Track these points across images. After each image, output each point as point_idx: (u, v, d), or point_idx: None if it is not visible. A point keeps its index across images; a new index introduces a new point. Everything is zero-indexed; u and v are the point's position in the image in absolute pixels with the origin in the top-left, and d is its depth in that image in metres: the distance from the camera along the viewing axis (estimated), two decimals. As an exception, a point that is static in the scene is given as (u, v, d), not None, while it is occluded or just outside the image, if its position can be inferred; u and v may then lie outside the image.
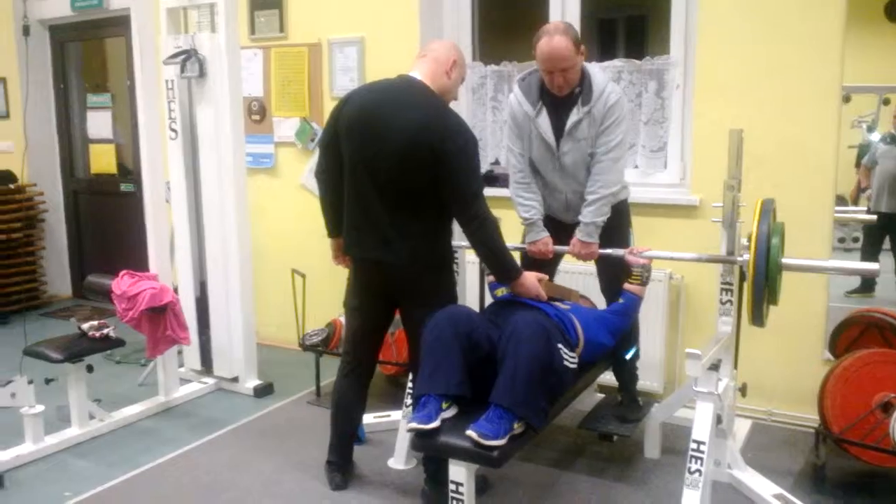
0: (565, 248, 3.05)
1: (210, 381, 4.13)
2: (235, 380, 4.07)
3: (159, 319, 3.59)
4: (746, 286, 2.63)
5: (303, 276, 3.90)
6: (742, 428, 3.40)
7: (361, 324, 2.91)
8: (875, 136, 4.65)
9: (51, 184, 6.08)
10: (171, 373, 3.92)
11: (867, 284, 4.10)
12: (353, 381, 2.95)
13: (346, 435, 3.02)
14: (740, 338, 2.90)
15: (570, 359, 2.54)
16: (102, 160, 5.82)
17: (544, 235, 3.08)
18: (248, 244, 4.02)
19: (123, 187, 5.81)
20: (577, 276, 3.61)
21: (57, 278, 6.16)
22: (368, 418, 3.38)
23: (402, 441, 3.13)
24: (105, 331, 3.50)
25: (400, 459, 3.17)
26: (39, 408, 3.29)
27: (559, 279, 3.37)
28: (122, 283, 3.56)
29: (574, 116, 2.90)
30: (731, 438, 2.98)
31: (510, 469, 3.04)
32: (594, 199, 2.93)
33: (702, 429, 2.45)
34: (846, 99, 3.62)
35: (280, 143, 4.75)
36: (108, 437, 3.54)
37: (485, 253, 2.74)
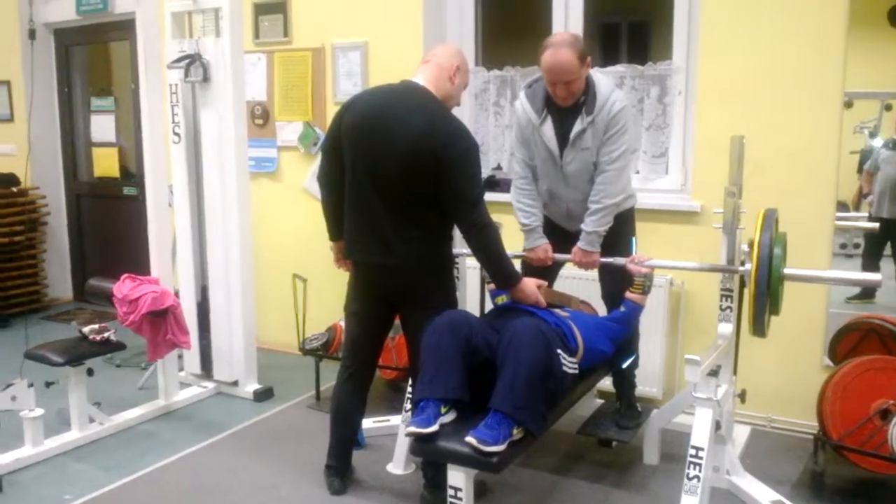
0: (567, 256, 3.05)
1: (210, 384, 4.14)
2: (235, 384, 4.07)
3: (160, 323, 3.60)
4: (747, 295, 2.63)
5: (304, 280, 3.91)
6: (741, 434, 3.40)
7: (362, 328, 2.92)
8: (877, 142, 4.65)
9: (53, 187, 6.09)
10: (171, 376, 3.93)
11: (868, 291, 4.09)
12: (352, 386, 2.96)
13: (345, 439, 3.02)
14: (740, 344, 2.89)
15: (569, 364, 2.55)
16: (105, 164, 5.83)
17: (543, 242, 3.08)
18: (250, 248, 4.03)
19: (126, 191, 5.83)
20: (579, 281, 3.60)
21: (58, 282, 6.17)
22: (368, 423, 3.39)
23: (402, 446, 3.14)
24: (106, 334, 3.51)
25: (399, 464, 3.17)
26: (39, 411, 3.29)
27: (561, 285, 3.37)
28: (123, 287, 3.57)
29: (578, 126, 2.90)
30: (730, 444, 2.98)
31: (509, 474, 3.03)
32: (597, 208, 2.93)
33: (701, 435, 2.45)
34: (848, 104, 3.62)
35: (283, 148, 4.76)
36: (108, 440, 3.54)
37: (484, 259, 2.75)
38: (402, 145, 2.58)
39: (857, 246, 4.61)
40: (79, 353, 3.40)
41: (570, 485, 3.07)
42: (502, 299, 2.98)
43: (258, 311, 4.19)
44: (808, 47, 3.30)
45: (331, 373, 3.34)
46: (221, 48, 3.85)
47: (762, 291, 2.55)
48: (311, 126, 4.62)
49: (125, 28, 5.17)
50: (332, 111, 4.32)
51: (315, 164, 4.37)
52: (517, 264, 2.94)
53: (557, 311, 2.81)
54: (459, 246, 2.94)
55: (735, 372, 2.94)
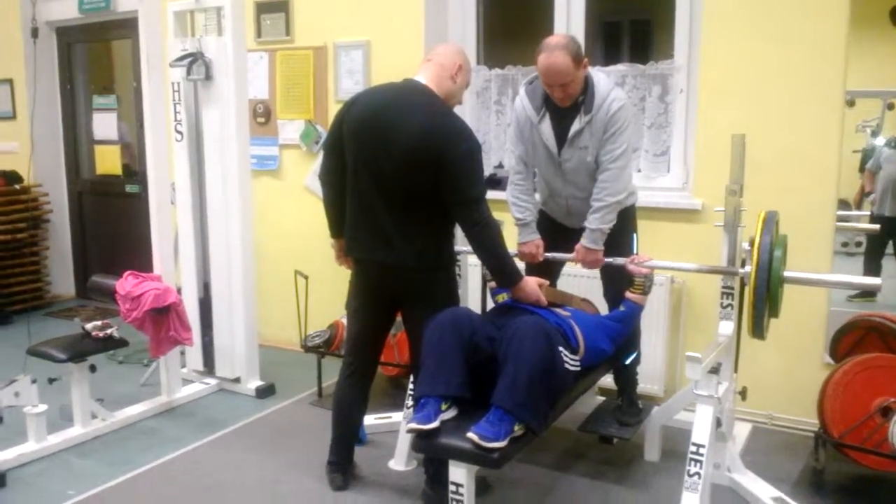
0: (569, 255, 3.04)
1: (212, 381, 4.15)
2: (237, 380, 4.09)
3: (162, 320, 3.61)
4: (747, 294, 2.64)
5: (305, 277, 3.92)
6: (742, 431, 3.41)
7: (363, 325, 2.93)
8: (879, 141, 4.66)
9: (56, 184, 6.10)
10: (173, 373, 3.94)
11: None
12: (354, 383, 2.96)
13: (347, 436, 3.03)
14: (741, 341, 2.90)
15: (571, 361, 2.55)
16: (107, 161, 5.83)
17: (535, 237, 3.09)
18: (252, 245, 4.04)
19: (128, 188, 5.84)
20: (581, 279, 3.61)
21: (61, 278, 6.19)
22: (369, 419, 3.40)
23: (403, 442, 3.15)
24: (108, 331, 3.52)
25: (400, 461, 3.18)
26: (42, 407, 3.31)
27: (563, 282, 3.38)
28: (125, 284, 3.58)
29: (576, 125, 2.90)
30: (731, 442, 2.99)
31: (510, 471, 3.04)
32: (600, 206, 2.93)
33: (701, 432, 2.45)
34: (850, 103, 3.62)
35: (285, 146, 4.77)
36: (111, 436, 3.55)
37: (486, 257, 2.76)
38: (404, 143, 2.59)
39: (858, 244, 4.62)
40: (81, 349, 3.42)
41: (571, 481, 3.08)
42: (503, 297, 2.99)
43: (260, 309, 4.20)
44: (809, 46, 3.30)
45: (332, 370, 3.35)
46: (223, 47, 3.86)
47: (761, 296, 2.56)
48: (312, 124, 4.62)
49: (127, 26, 5.18)
50: (333, 109, 4.33)
51: (317, 163, 4.38)
52: (519, 263, 2.94)
53: (558, 310, 2.81)
54: (461, 244, 2.94)
55: (736, 369, 2.94)
